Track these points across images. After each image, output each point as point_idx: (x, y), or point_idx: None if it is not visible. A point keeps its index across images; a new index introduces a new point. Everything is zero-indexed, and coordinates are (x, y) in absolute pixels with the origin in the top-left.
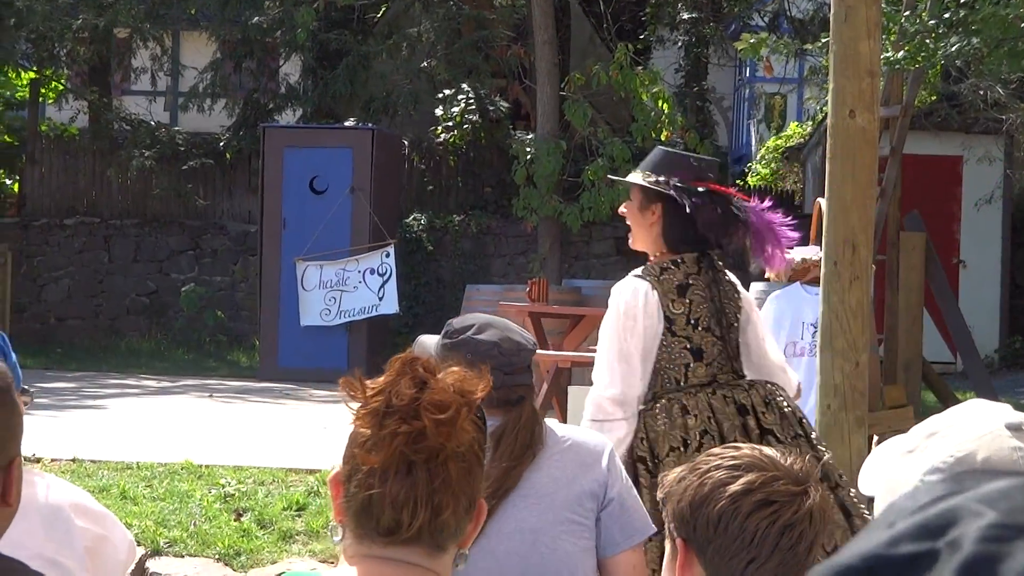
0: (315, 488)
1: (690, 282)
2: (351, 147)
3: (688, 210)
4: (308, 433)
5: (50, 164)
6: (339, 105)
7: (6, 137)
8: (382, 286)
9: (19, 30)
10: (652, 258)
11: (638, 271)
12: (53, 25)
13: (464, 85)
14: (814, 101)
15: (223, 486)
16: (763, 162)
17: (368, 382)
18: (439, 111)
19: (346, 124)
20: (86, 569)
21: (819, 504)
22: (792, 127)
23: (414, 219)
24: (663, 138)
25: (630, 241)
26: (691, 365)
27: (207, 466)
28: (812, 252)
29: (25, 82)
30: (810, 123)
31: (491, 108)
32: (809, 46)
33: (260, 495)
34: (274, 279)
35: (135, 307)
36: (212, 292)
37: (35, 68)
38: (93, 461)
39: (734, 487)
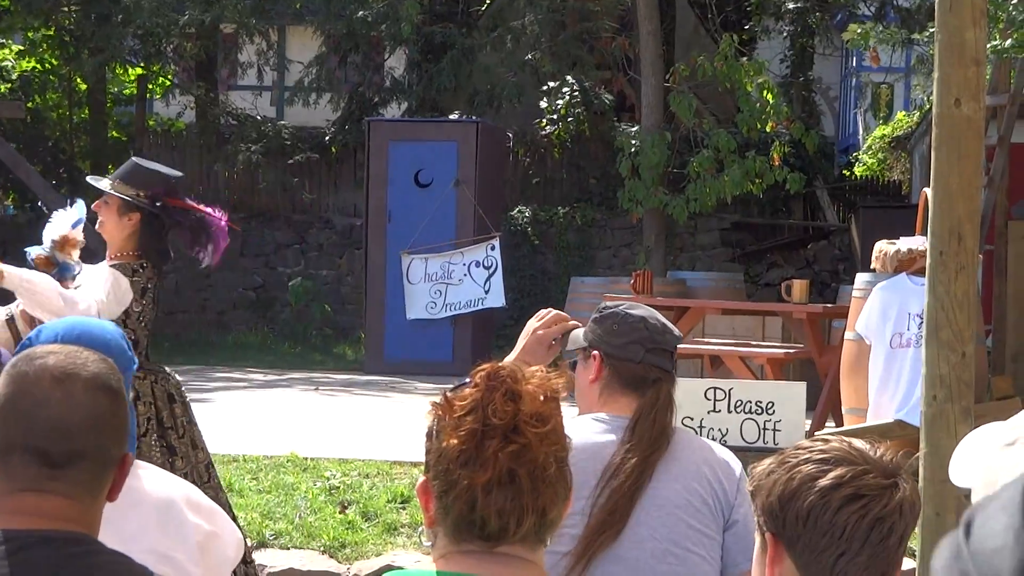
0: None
1: (149, 286)
2: (456, 140)
3: (164, 227)
4: (413, 426)
5: (158, 159)
6: (444, 98)
7: (114, 133)
8: (488, 279)
9: (126, 27)
10: (114, 255)
11: (119, 266)
12: (160, 21)
13: (568, 77)
14: (921, 90)
15: (328, 479)
16: (870, 152)
17: (455, 399)
18: (543, 104)
19: (451, 117)
20: (197, 564)
21: (909, 497)
22: (899, 116)
23: (519, 212)
24: (768, 128)
25: (98, 226)
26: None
27: (312, 459)
28: (918, 242)
29: (132, 78)
30: (917, 112)
31: (595, 100)
32: (916, 36)
33: (365, 488)
34: (380, 272)
35: (242, 301)
36: (318, 286)
37: (142, 64)
38: None
39: (823, 481)
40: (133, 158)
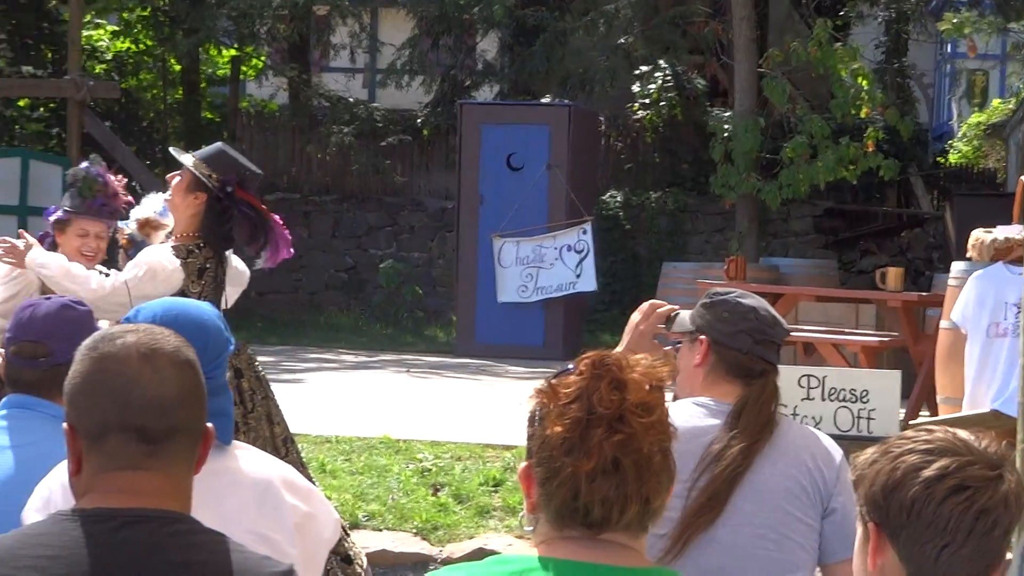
0: (511, 464)
1: (208, 267)
2: (548, 124)
3: (229, 214)
4: (504, 409)
5: (251, 140)
6: (536, 82)
7: (208, 114)
8: (579, 263)
9: (220, 8)
10: (177, 236)
11: (175, 248)
12: (254, 3)
13: (661, 62)
14: (1017, 77)
15: (420, 461)
16: (964, 139)
17: (560, 386)
18: (636, 88)
19: (543, 101)
20: (294, 545)
21: (1014, 489)
22: (995, 104)
23: (610, 196)
24: (863, 115)
25: (167, 198)
26: None
27: (405, 441)
28: (1014, 231)
29: (226, 60)
30: (1013, 100)
31: (688, 85)
32: (1014, 24)
33: (457, 470)
34: (471, 255)
35: (334, 282)
36: (410, 268)
37: (236, 46)
38: (293, 434)
39: (928, 472)
40: (220, 143)
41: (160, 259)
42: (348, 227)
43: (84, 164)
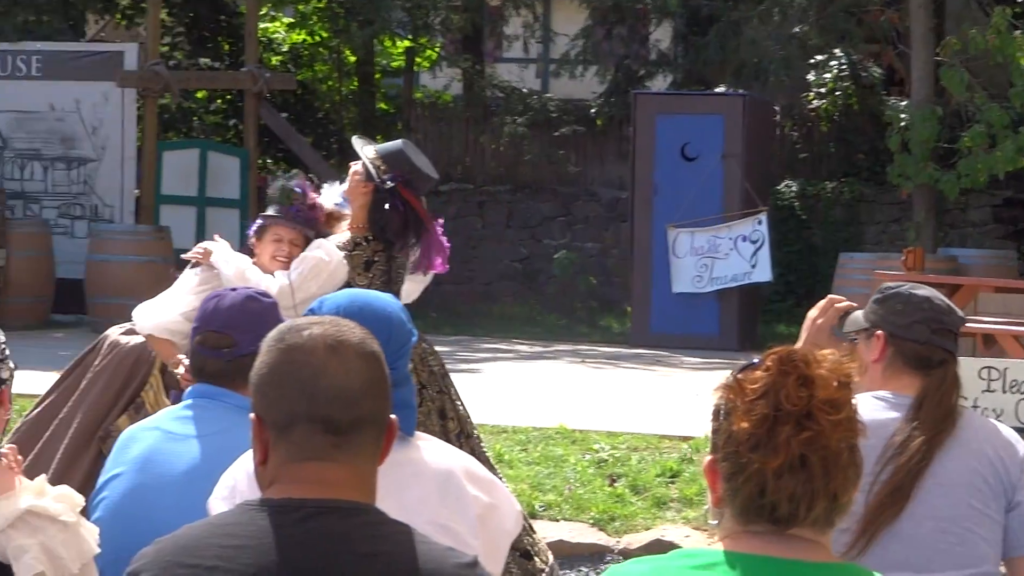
0: (688, 455)
1: (376, 259)
2: (723, 114)
3: (383, 207)
4: (680, 400)
5: (425, 131)
6: (710, 71)
7: (382, 105)
8: (754, 253)
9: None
10: (352, 226)
11: (339, 239)
12: None
13: (837, 51)
14: None
15: (597, 451)
16: None
17: (746, 381)
18: (811, 77)
19: (717, 91)
20: (476, 536)
21: None
22: None
23: (785, 186)
24: None
25: (345, 184)
26: None
27: (581, 431)
28: None
29: (400, 50)
30: None
31: (864, 74)
32: None
33: (634, 461)
34: (646, 245)
35: (508, 272)
36: (584, 258)
37: (410, 37)
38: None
39: None
40: (404, 140)
41: (322, 255)
42: (522, 217)
43: (285, 176)
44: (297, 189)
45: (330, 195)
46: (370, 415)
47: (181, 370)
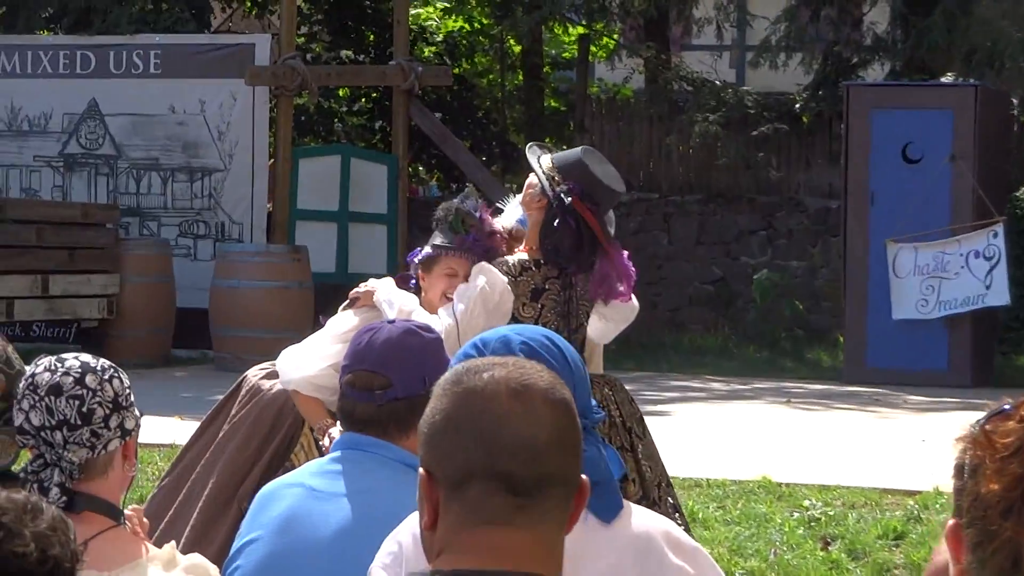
0: (915, 513)
1: (547, 287)
2: (951, 108)
3: (554, 224)
4: (904, 447)
5: (601, 131)
6: (935, 59)
7: (552, 102)
8: (989, 272)
9: None
10: (525, 247)
11: (503, 263)
12: None
13: None
14: None
15: (806, 508)
16: None
17: (996, 434)
18: None
19: (944, 81)
20: None
21: None
22: None
23: None
24: None
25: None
26: None
27: (787, 484)
28: None
29: (573, 38)
30: None
31: None
32: None
33: (850, 520)
34: (860, 264)
35: (699, 296)
36: (787, 279)
37: (584, 22)
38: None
39: None
40: (585, 148)
41: (485, 284)
42: (715, 231)
43: (458, 197)
44: (474, 214)
45: (511, 212)
46: (558, 472)
47: (326, 442)
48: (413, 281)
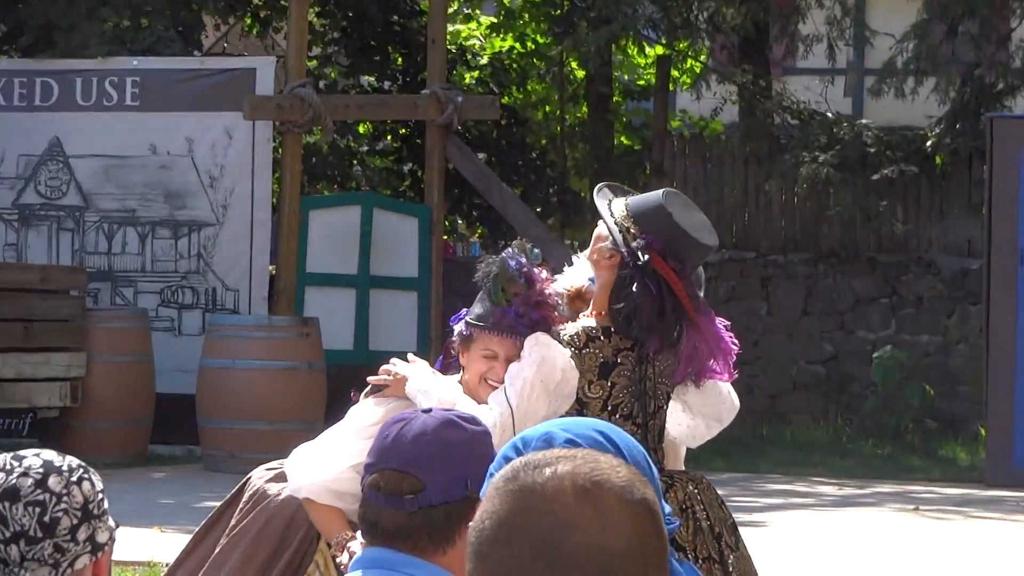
0: None
1: (619, 360)
2: None
3: (630, 287)
4: None
5: (684, 175)
6: None
7: (623, 139)
8: None
9: None
10: (592, 312)
11: (565, 332)
12: None
13: None
14: None
15: None
16: None
17: None
18: None
19: None
20: None
21: None
22: None
23: None
24: None
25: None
26: None
27: None
28: None
29: (650, 60)
30: None
31: None
32: None
33: None
34: (1008, 339)
35: (805, 379)
36: (916, 358)
37: (664, 41)
38: None
39: None
40: (667, 191)
41: (543, 359)
42: (825, 299)
43: (503, 253)
44: (519, 279)
45: (582, 269)
46: None
47: (345, 558)
48: (455, 357)
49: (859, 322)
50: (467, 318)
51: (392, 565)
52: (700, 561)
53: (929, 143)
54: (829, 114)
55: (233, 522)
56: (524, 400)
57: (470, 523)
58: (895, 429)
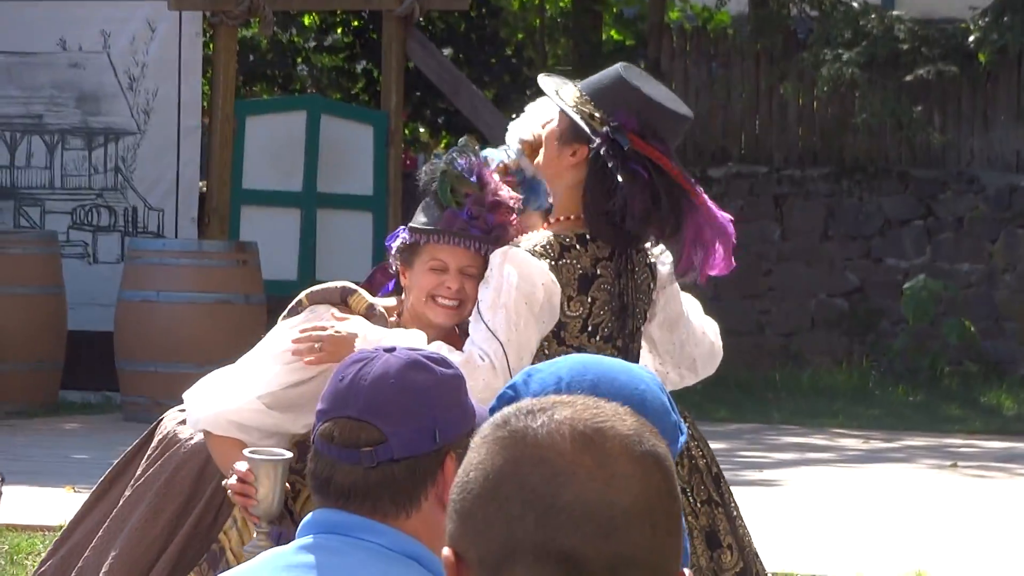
0: None
1: (598, 272)
2: None
3: (615, 179)
4: None
5: (685, 76)
6: None
7: (613, 33)
8: None
9: None
10: (552, 220)
11: (530, 243)
12: None
13: None
14: None
15: None
16: None
17: None
18: None
19: None
20: None
21: None
22: None
23: None
24: None
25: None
26: None
27: None
28: None
29: None
30: None
31: None
32: None
33: None
34: None
35: (825, 315)
36: (954, 289)
37: None
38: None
39: None
40: (622, 65)
41: (521, 274)
42: (849, 221)
43: (450, 152)
44: (470, 177)
45: (539, 114)
46: (643, 557)
47: (234, 480)
48: (391, 284)
49: (888, 248)
50: (410, 225)
51: (347, 530)
52: (699, 504)
53: (972, 39)
54: (855, 4)
55: (139, 471)
56: (513, 331)
57: (449, 478)
58: (929, 373)
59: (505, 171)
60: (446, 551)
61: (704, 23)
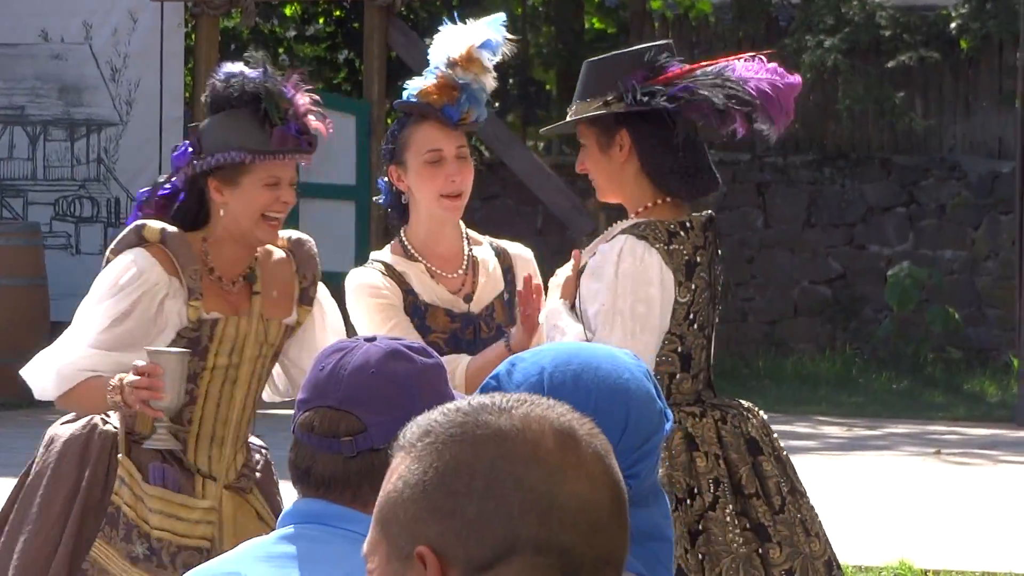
0: None
1: (698, 259)
2: None
3: (672, 117)
4: None
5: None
6: None
7: (595, 22)
8: None
9: None
10: (638, 211)
11: (635, 227)
12: None
13: None
14: None
15: None
16: None
17: None
18: None
19: None
20: None
21: None
22: None
23: None
24: None
25: (599, 195)
26: (677, 377)
27: (935, 572)
28: None
29: None
30: None
31: None
32: None
33: None
34: None
35: (808, 302)
36: (938, 276)
37: None
38: None
39: None
40: (589, 61)
41: (634, 272)
42: (832, 208)
43: (253, 72)
44: (285, 94)
45: (464, 33)
46: (618, 555)
47: (136, 378)
48: (134, 215)
49: (871, 235)
50: (233, 151)
51: (327, 519)
52: (786, 492)
53: (954, 25)
54: None
55: (30, 479)
56: (629, 339)
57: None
58: (913, 360)
59: (440, 89)
60: (423, 551)
61: (686, 11)
